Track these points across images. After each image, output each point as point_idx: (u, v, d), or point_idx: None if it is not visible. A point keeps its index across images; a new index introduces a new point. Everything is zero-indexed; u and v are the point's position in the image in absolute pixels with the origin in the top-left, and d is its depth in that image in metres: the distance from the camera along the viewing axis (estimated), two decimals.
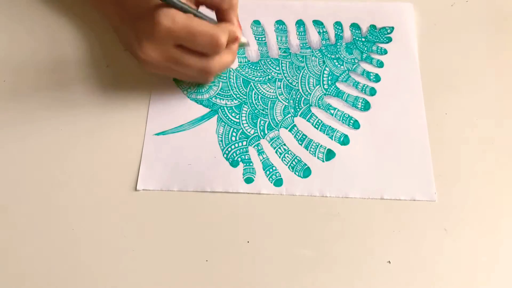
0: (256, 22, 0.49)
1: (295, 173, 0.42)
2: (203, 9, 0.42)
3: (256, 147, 0.43)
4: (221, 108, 0.45)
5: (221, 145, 0.43)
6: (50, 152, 0.43)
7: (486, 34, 0.49)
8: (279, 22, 0.49)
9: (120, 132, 0.44)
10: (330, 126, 0.44)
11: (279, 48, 0.47)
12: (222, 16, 0.42)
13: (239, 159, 0.42)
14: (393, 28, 0.48)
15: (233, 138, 0.44)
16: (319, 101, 0.45)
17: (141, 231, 0.40)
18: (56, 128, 0.44)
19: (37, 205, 0.41)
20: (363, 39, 0.48)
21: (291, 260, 0.38)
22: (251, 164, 0.42)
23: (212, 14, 0.42)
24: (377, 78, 0.46)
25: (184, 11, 0.39)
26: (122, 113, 0.44)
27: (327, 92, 0.46)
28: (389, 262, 0.38)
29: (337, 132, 0.44)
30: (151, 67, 0.41)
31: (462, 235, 0.39)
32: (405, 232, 0.39)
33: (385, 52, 0.47)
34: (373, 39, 0.48)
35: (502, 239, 0.39)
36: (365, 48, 0.47)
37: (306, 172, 0.42)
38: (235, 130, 0.44)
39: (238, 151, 0.43)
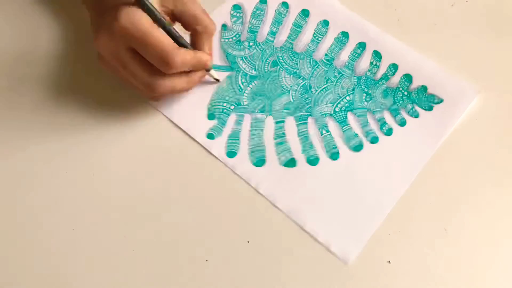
0: (325, 23, 0.48)
1: (250, 156, 0.42)
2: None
3: (238, 116, 0.44)
4: (238, 71, 0.46)
5: (213, 96, 0.45)
6: (50, 152, 0.43)
7: (486, 34, 0.48)
8: (344, 34, 0.48)
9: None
10: (311, 143, 0.43)
11: (326, 54, 0.47)
12: (195, 40, 0.41)
13: (218, 115, 0.44)
14: (442, 100, 0.44)
15: (227, 98, 0.45)
16: (320, 116, 0.44)
17: (141, 231, 0.40)
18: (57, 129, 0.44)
19: (37, 205, 0.41)
20: (406, 93, 0.45)
21: (291, 260, 0.39)
22: (223, 125, 0.44)
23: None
24: (389, 132, 0.43)
25: (154, 18, 0.38)
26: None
27: (333, 114, 0.44)
28: (389, 262, 0.38)
29: (313, 150, 0.43)
30: (102, 62, 0.40)
31: (462, 235, 0.39)
32: (405, 232, 0.39)
33: (417, 115, 0.44)
34: (415, 99, 0.45)
35: (502, 239, 0.39)
36: (401, 102, 0.45)
37: (259, 162, 0.42)
38: (234, 93, 0.45)
39: (223, 109, 0.44)
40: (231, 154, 0.42)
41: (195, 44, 0.41)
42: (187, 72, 0.40)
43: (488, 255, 0.39)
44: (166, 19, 0.39)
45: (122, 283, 0.38)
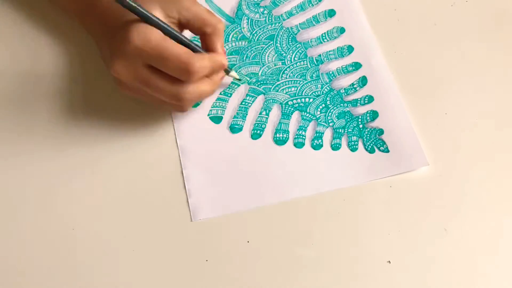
0: (341, 30, 0.48)
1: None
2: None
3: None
4: (236, 27, 0.48)
5: None
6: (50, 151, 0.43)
7: (486, 34, 0.48)
8: (349, 49, 0.47)
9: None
10: (245, 114, 0.45)
11: (319, 55, 0.47)
12: (206, 42, 0.40)
13: None
14: (388, 151, 0.43)
15: None
16: (270, 100, 0.45)
17: (141, 231, 0.40)
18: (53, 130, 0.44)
19: (37, 205, 0.41)
20: (361, 126, 0.44)
21: (291, 260, 0.39)
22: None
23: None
24: (316, 147, 0.44)
25: (163, 30, 0.37)
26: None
27: (283, 104, 0.45)
28: (389, 262, 0.39)
29: (241, 120, 0.44)
30: (123, 87, 0.40)
31: (462, 235, 0.40)
32: (405, 232, 0.40)
33: (354, 150, 0.43)
34: (364, 135, 0.44)
35: (502, 239, 0.40)
36: (349, 130, 0.44)
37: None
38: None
39: None
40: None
41: (207, 46, 0.41)
42: (207, 75, 0.40)
43: (488, 255, 0.39)
44: (175, 29, 0.38)
45: (122, 283, 0.38)
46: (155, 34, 0.36)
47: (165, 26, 0.37)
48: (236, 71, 0.45)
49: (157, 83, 0.38)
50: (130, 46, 0.36)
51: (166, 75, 0.38)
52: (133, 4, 0.36)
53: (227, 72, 0.43)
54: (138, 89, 0.39)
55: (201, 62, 0.37)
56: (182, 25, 0.40)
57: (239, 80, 0.46)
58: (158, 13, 0.38)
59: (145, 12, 0.37)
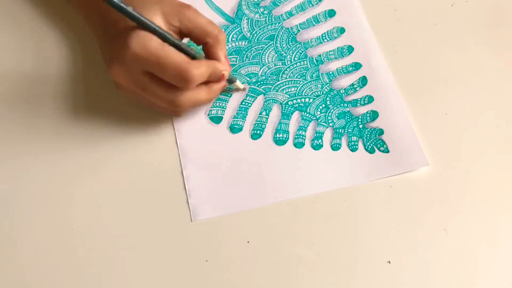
0: (341, 30, 0.48)
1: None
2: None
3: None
4: (236, 27, 0.48)
5: None
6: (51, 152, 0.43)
7: (486, 34, 0.48)
8: (349, 49, 0.47)
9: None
10: (245, 114, 0.45)
11: (319, 55, 0.47)
12: (208, 51, 0.41)
13: None
14: (388, 152, 0.43)
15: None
16: (271, 100, 0.45)
17: (141, 231, 0.40)
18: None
19: (37, 205, 0.41)
20: (361, 126, 0.44)
21: (291, 260, 0.39)
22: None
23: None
24: (317, 147, 0.43)
25: (162, 37, 0.37)
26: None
27: (283, 104, 0.45)
28: (389, 262, 0.39)
29: (242, 120, 0.44)
30: (122, 90, 0.41)
31: (462, 235, 0.40)
32: (405, 232, 0.40)
33: (354, 150, 0.43)
34: (364, 135, 0.44)
35: (502, 239, 0.40)
36: (350, 130, 0.44)
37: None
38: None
39: None
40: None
41: (209, 56, 0.41)
42: (206, 83, 0.41)
43: (488, 255, 0.39)
44: (175, 37, 0.39)
45: (122, 283, 0.38)
46: (154, 41, 0.37)
47: (164, 33, 0.37)
48: (238, 78, 0.45)
49: (154, 89, 0.38)
50: (129, 52, 0.36)
51: (163, 81, 0.38)
52: (132, 12, 0.36)
53: (230, 81, 0.44)
54: (136, 93, 0.40)
55: (199, 69, 0.38)
56: (183, 34, 0.40)
57: (243, 90, 0.46)
58: (159, 21, 0.38)
59: (143, 19, 0.37)
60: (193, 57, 0.39)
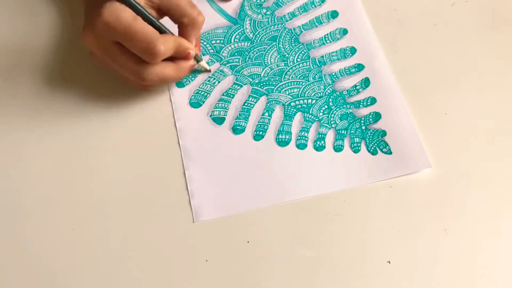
0: (344, 31, 0.48)
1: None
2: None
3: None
4: (239, 28, 0.48)
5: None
6: (50, 152, 0.43)
7: (486, 34, 0.48)
8: (352, 50, 0.47)
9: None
10: (248, 115, 0.45)
11: (322, 56, 0.47)
12: (182, 32, 0.41)
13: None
14: (390, 153, 0.43)
15: (213, 42, 0.48)
16: (273, 101, 0.45)
17: (142, 231, 0.40)
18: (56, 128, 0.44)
19: (37, 205, 0.41)
20: (364, 128, 0.44)
21: (291, 260, 0.39)
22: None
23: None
24: (319, 149, 0.43)
25: (135, 10, 0.38)
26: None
27: (285, 105, 0.45)
28: (389, 262, 0.39)
29: (244, 121, 0.44)
30: (93, 57, 0.42)
31: (462, 235, 0.40)
32: (405, 232, 0.40)
33: (357, 151, 0.43)
34: (367, 137, 0.44)
35: (502, 239, 0.40)
36: (353, 132, 0.44)
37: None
38: (222, 41, 0.48)
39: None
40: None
41: (182, 37, 0.42)
42: (174, 61, 0.41)
43: (488, 255, 0.39)
44: (151, 12, 0.40)
45: (122, 283, 0.38)
46: (127, 13, 0.38)
47: (138, 6, 0.39)
48: (208, 63, 0.45)
49: (123, 60, 0.40)
50: (100, 21, 0.38)
51: (132, 53, 0.39)
52: None
53: (197, 61, 0.44)
54: (106, 63, 0.41)
55: (165, 44, 0.38)
56: (161, 11, 0.41)
57: (209, 71, 0.46)
58: None
59: None
60: (163, 33, 0.40)
